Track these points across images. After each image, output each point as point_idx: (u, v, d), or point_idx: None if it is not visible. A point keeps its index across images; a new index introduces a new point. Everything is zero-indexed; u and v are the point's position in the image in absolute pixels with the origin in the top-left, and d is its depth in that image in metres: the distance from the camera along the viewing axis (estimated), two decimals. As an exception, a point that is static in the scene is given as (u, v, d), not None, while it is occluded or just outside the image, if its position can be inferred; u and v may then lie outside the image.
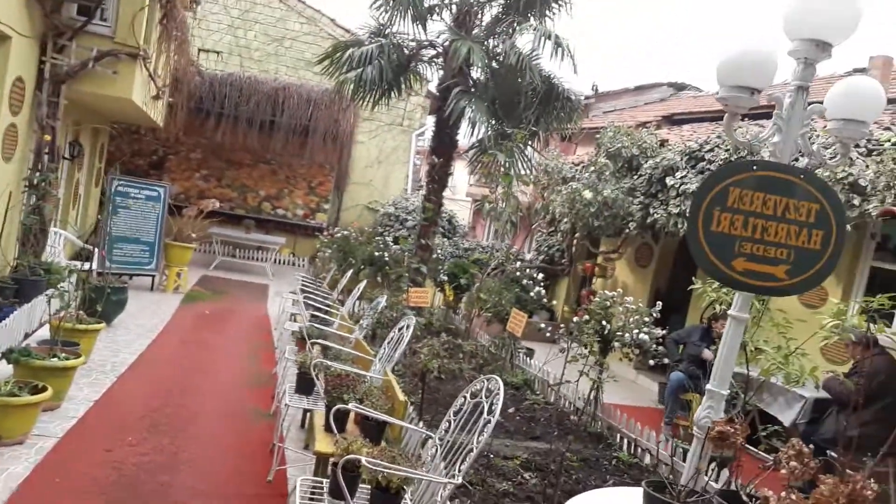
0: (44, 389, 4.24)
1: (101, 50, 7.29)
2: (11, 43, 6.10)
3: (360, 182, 15.64)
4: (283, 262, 14.55)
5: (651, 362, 5.50)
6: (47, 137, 7.20)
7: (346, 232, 10.59)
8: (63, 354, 4.81)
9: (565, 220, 10.28)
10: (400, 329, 5.01)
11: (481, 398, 3.34)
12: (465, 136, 10.05)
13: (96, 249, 8.80)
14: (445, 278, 8.99)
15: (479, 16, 9.57)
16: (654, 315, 5.55)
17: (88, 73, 7.29)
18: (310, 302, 7.19)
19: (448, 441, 3.29)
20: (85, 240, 10.27)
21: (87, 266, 8.05)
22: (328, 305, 7.26)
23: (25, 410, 4.11)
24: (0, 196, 6.43)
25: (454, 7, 9.45)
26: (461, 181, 21.39)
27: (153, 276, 9.76)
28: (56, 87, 7.15)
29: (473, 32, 9.32)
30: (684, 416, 5.75)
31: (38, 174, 7.15)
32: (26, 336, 5.88)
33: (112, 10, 7.48)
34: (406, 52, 9.55)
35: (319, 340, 5.50)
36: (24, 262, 6.86)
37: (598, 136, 10.48)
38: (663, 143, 9.66)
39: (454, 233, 14.26)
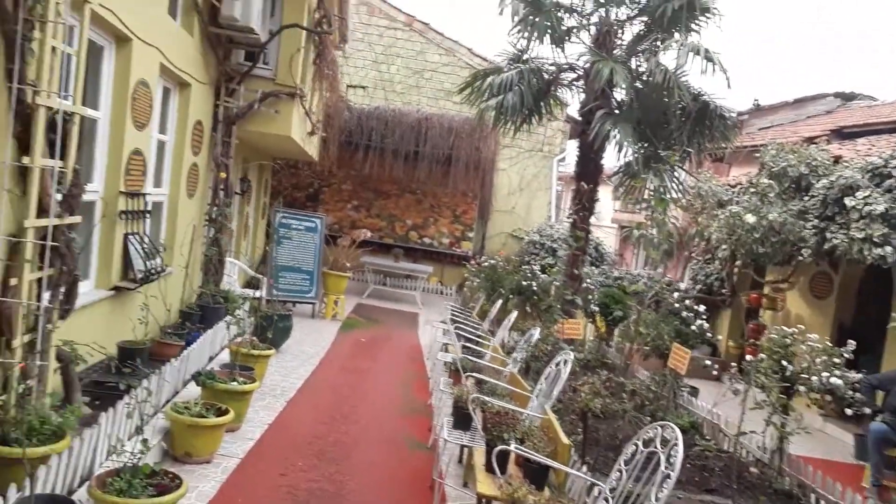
0: (226, 411, 4.57)
1: (264, 91, 7.98)
2: (191, 90, 6.82)
3: (503, 210, 15.71)
4: (432, 291, 14.84)
5: (849, 411, 4.87)
6: (223, 175, 7.95)
7: (492, 261, 10.62)
8: (241, 379, 5.18)
9: (723, 246, 9.58)
10: (557, 364, 4.86)
11: (656, 447, 3.12)
12: (610, 160, 9.74)
13: (265, 278, 9.55)
14: (597, 309, 8.69)
15: (620, 34, 9.29)
16: (846, 356, 4.93)
17: (254, 113, 8.00)
18: (461, 332, 7.25)
19: (620, 493, 3.09)
20: (255, 269, 11.16)
21: (257, 294, 8.74)
22: (479, 336, 7.27)
23: (213, 431, 4.45)
24: (186, 229, 7.14)
25: (593, 28, 9.26)
26: (606, 207, 20.87)
27: (313, 304, 10.37)
28: (228, 128, 7.90)
29: (614, 52, 9.05)
30: (894, 475, 5.01)
31: (215, 209, 7.90)
32: (210, 359, 6.43)
33: (273, 54, 8.17)
34: (545, 76, 9.47)
35: (473, 373, 5.50)
36: (206, 290, 7.58)
37: (757, 155, 9.71)
38: (837, 159, 8.74)
39: (602, 261, 13.83)
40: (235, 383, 5.05)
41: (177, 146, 6.80)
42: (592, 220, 9.67)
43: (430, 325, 9.78)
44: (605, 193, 11.78)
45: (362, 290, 13.20)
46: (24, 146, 3.58)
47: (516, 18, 9.14)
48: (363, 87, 15.21)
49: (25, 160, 3.56)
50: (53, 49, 3.66)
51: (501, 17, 9.44)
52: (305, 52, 8.66)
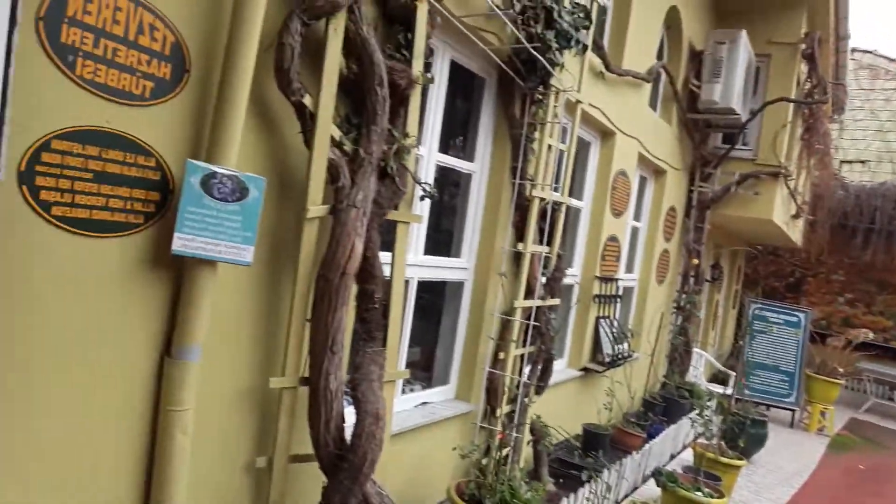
0: (688, 524, 4.09)
1: (742, 173, 7.55)
2: (666, 177, 6.85)
3: None
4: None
5: None
6: (695, 261, 7.73)
7: None
8: (706, 489, 4.62)
9: None
10: None
11: None
12: None
13: (733, 374, 8.70)
14: None
15: None
16: None
17: (730, 196, 7.63)
18: None
19: None
20: (723, 362, 10.36)
21: (726, 391, 7.98)
22: None
23: (673, 544, 4.03)
24: (653, 316, 7.03)
25: None
26: None
27: (793, 411, 8.95)
28: (701, 214, 7.73)
29: None
30: None
31: (684, 296, 7.67)
32: (671, 457, 6.02)
33: (753, 133, 7.66)
34: None
35: None
36: (670, 381, 7.28)
37: None
38: None
39: None
40: (700, 493, 4.52)
41: (649, 232, 6.87)
42: None
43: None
44: None
45: (859, 403, 10.90)
46: (519, 234, 4.01)
47: None
48: (862, 162, 13.08)
49: (520, 246, 3.97)
50: (549, 147, 4.06)
51: None
52: (792, 128, 7.90)
